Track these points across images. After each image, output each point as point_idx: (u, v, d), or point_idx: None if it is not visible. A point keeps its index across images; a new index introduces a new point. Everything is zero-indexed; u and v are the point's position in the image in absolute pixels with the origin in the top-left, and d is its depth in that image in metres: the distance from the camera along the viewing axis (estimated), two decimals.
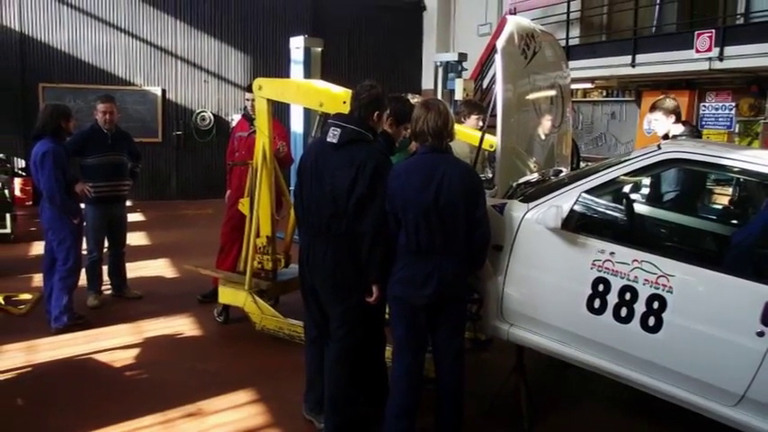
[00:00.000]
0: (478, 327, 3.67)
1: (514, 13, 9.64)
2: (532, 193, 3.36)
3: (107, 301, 5.43)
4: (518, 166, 3.72)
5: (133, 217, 8.37)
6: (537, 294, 3.19)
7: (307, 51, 7.97)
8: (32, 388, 3.83)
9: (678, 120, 4.59)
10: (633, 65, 8.57)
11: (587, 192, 3.11)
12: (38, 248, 6.36)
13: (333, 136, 3.05)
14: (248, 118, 5.21)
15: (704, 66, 7.69)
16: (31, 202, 9.73)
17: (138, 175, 5.68)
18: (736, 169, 3.02)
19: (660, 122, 4.59)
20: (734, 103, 8.72)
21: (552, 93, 4.13)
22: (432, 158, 2.94)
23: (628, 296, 2.83)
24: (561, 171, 4.04)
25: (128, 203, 5.76)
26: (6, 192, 7.72)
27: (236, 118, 9.26)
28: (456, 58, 9.93)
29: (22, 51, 10.29)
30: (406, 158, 3.22)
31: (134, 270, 6.00)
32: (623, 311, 2.84)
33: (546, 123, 4.09)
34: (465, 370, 3.10)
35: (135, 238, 7.51)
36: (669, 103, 4.61)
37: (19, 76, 10.29)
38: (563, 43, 8.75)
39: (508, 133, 3.44)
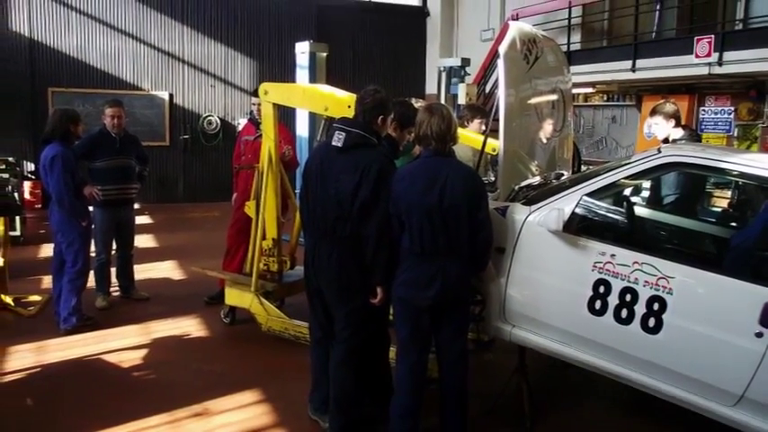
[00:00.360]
0: (481, 328, 3.69)
1: (517, 19, 9.68)
2: (534, 196, 3.39)
3: (115, 302, 5.48)
4: (520, 169, 3.73)
5: (141, 219, 8.41)
6: (539, 296, 3.22)
7: (312, 56, 8.03)
8: (41, 388, 3.87)
9: (678, 124, 4.62)
10: (633, 70, 8.61)
11: (588, 195, 3.13)
12: (47, 251, 6.42)
13: (338, 140, 3.08)
14: (254, 122, 5.26)
15: (704, 71, 7.74)
16: (40, 205, 9.81)
17: (146, 179, 5.75)
18: (735, 172, 3.06)
19: (660, 126, 4.61)
20: (733, 108, 8.75)
21: (554, 97, 4.15)
22: (435, 162, 2.98)
23: (628, 298, 2.86)
24: (563, 174, 4.07)
25: (135, 206, 5.83)
26: (16, 195, 7.78)
27: (242, 122, 9.31)
28: (459, 63, 10.01)
29: (31, 56, 10.40)
30: (409, 162, 3.25)
31: (142, 272, 6.05)
32: (624, 313, 2.87)
33: (548, 127, 4.11)
34: (468, 370, 3.12)
35: (143, 241, 7.56)
36: (669, 107, 4.64)
37: (28, 80, 10.39)
38: (564, 48, 8.79)
39: (510, 137, 3.45)
